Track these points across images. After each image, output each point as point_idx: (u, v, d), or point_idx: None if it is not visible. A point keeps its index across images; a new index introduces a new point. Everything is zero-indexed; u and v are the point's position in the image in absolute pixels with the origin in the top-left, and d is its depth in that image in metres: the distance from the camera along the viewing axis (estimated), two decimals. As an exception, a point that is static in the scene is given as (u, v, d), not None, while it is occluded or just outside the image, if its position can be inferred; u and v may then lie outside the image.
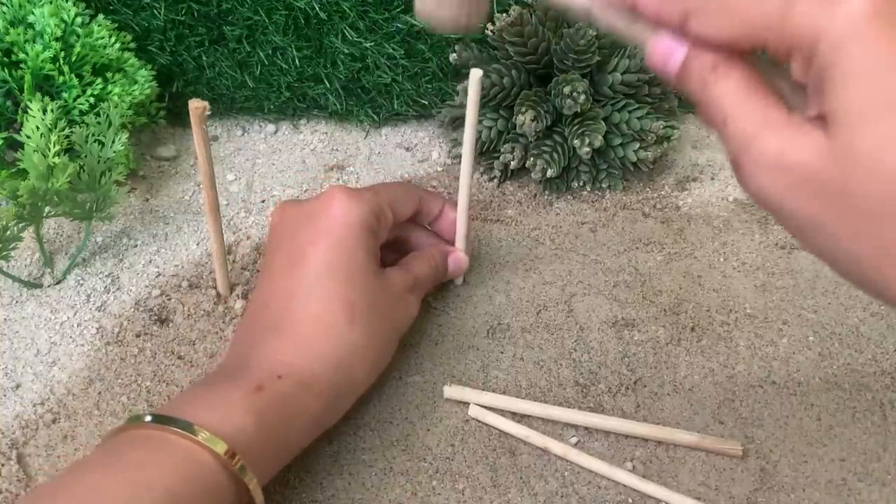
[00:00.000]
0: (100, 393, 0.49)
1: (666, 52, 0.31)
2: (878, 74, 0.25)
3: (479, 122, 0.61)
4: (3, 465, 0.45)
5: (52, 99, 0.55)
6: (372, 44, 0.63)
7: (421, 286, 0.50)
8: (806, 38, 0.26)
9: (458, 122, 0.64)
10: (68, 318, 0.53)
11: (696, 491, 0.45)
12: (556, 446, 0.46)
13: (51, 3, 0.55)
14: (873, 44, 0.25)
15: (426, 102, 0.67)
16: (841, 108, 0.26)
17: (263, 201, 0.62)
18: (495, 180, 0.63)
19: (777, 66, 0.30)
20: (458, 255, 0.53)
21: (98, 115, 0.55)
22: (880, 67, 0.25)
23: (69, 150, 0.53)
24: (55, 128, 0.52)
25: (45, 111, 0.51)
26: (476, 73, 0.44)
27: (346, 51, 0.63)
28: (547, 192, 0.62)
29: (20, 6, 0.56)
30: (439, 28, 0.38)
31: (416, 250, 0.52)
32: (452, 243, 0.53)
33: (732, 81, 0.29)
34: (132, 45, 0.61)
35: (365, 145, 0.67)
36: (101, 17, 0.59)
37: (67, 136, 0.52)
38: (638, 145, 0.60)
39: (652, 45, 0.31)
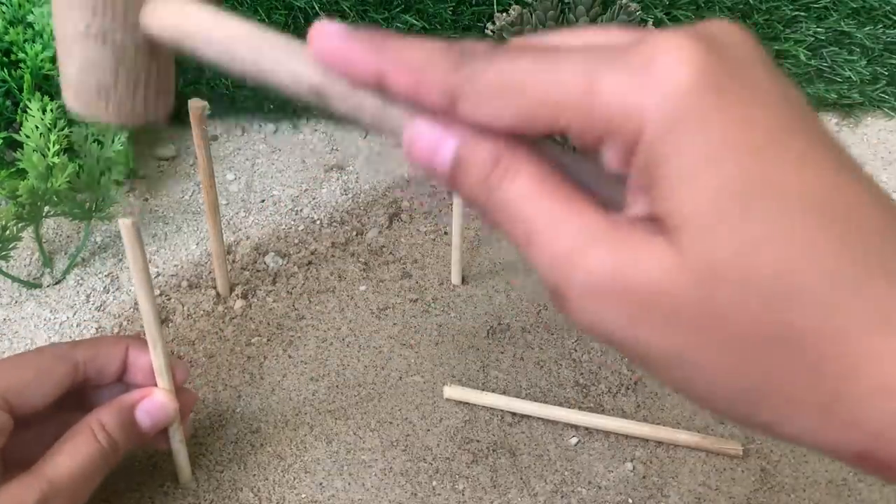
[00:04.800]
0: (99, 393, 0.49)
1: (429, 145, 0.22)
2: (725, 166, 0.19)
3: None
4: (2, 465, 0.45)
5: (52, 99, 0.55)
6: (372, 43, 0.63)
7: (68, 491, 0.36)
8: (621, 123, 0.20)
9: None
10: (68, 318, 0.53)
11: (696, 491, 0.45)
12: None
13: (50, 2, 0.55)
14: (711, 128, 0.19)
15: (426, 102, 0.67)
16: (684, 212, 0.20)
17: (263, 201, 0.62)
18: (495, 180, 0.63)
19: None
20: (157, 401, 0.39)
21: (97, 114, 0.55)
22: (726, 157, 0.19)
23: (68, 150, 0.53)
24: (54, 127, 0.51)
25: (44, 111, 0.51)
26: None
27: (345, 50, 0.63)
28: (547, 192, 0.62)
29: (20, 6, 0.56)
30: (104, 121, 0.29)
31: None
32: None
33: (524, 179, 0.21)
34: (132, 44, 0.61)
35: (365, 145, 0.67)
36: (100, 16, 0.59)
37: (67, 136, 0.52)
38: (638, 145, 0.60)
39: (409, 136, 0.22)
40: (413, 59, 0.21)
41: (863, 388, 0.19)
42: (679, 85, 0.19)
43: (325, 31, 0.22)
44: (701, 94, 0.19)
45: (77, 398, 0.40)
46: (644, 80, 0.20)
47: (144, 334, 0.38)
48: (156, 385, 0.39)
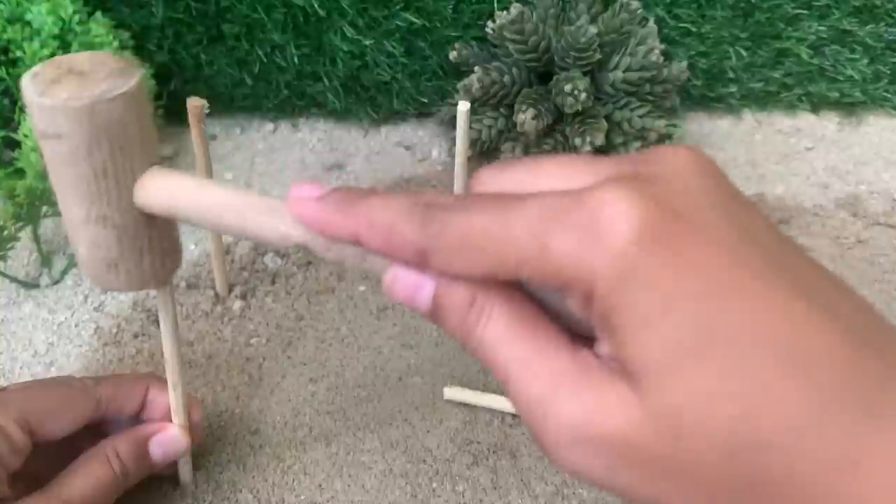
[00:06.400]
0: (97, 394, 0.49)
1: (409, 288, 0.24)
2: (675, 317, 0.20)
3: (479, 120, 0.61)
4: None
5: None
6: (371, 41, 0.62)
7: None
8: (574, 280, 0.21)
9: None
10: (66, 318, 0.53)
11: (698, 493, 0.45)
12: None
13: (48, 0, 0.55)
14: (659, 279, 0.20)
15: (426, 101, 0.66)
16: (641, 361, 0.20)
17: (262, 200, 0.61)
18: (496, 179, 0.63)
19: None
20: (171, 435, 0.40)
21: (95, 113, 0.54)
22: (675, 307, 0.20)
23: (66, 149, 0.53)
24: (52, 127, 0.51)
25: (42, 110, 0.51)
26: (464, 106, 0.44)
27: (345, 48, 0.63)
28: (547, 191, 0.62)
29: (17, 4, 0.56)
30: (118, 290, 0.34)
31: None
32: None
33: (497, 322, 0.23)
34: (130, 43, 0.61)
35: (364, 144, 0.67)
36: (99, 14, 0.59)
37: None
38: (639, 144, 0.60)
39: (390, 280, 0.24)
40: (382, 220, 0.23)
41: None
42: (623, 241, 0.20)
43: (300, 195, 0.24)
44: (645, 246, 0.20)
45: (92, 427, 0.41)
46: (590, 238, 0.20)
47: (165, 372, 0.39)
48: (171, 422, 0.41)
